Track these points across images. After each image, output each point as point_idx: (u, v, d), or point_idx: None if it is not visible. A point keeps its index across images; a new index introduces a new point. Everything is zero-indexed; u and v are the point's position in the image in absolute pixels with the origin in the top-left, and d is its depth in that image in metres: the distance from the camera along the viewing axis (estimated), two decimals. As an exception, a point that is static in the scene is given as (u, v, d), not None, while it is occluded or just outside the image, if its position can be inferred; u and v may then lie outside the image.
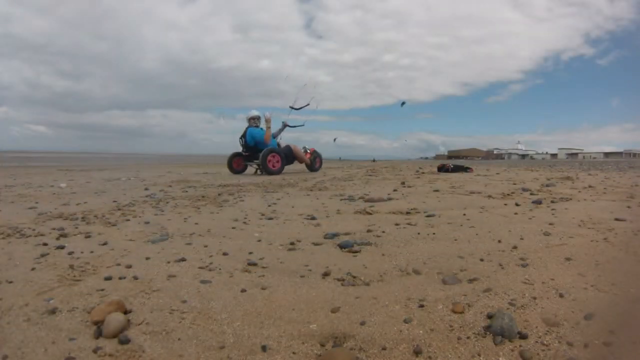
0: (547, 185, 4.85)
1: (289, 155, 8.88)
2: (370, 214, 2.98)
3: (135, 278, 1.49)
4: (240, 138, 8.86)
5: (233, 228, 2.48)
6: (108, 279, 1.48)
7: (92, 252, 1.87)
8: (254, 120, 8.81)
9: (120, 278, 1.49)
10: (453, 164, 9.89)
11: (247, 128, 8.76)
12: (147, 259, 1.76)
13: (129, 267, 1.63)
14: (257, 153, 8.46)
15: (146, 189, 4.97)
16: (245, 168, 9.17)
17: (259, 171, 8.77)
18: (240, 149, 9.02)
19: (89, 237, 2.19)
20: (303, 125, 9.75)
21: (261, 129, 8.78)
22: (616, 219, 2.52)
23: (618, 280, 1.39)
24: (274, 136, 9.06)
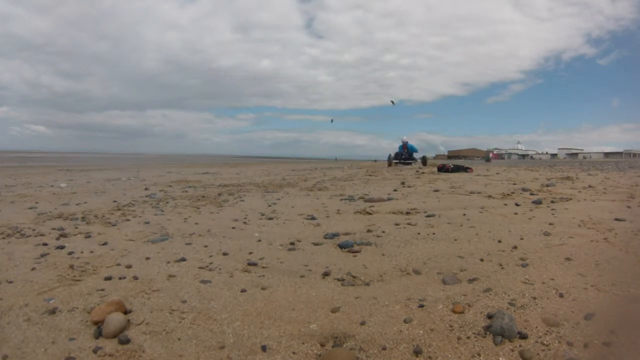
0: (547, 185, 4.86)
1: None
2: (370, 214, 2.98)
3: (135, 278, 1.49)
4: (400, 146, 15.99)
5: (233, 228, 2.48)
6: (108, 279, 1.48)
7: (92, 252, 1.87)
8: (407, 139, 16.10)
9: (120, 278, 1.49)
10: (453, 164, 9.92)
11: (404, 143, 15.89)
12: (147, 259, 1.76)
13: (129, 267, 1.63)
14: (411, 158, 15.82)
15: (146, 189, 4.98)
16: (392, 164, 16.02)
17: (404, 168, 14.46)
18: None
19: (89, 237, 2.19)
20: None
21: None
22: (616, 219, 2.52)
23: (618, 280, 1.39)
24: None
